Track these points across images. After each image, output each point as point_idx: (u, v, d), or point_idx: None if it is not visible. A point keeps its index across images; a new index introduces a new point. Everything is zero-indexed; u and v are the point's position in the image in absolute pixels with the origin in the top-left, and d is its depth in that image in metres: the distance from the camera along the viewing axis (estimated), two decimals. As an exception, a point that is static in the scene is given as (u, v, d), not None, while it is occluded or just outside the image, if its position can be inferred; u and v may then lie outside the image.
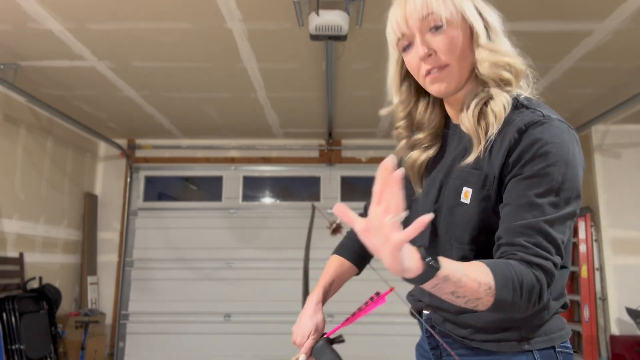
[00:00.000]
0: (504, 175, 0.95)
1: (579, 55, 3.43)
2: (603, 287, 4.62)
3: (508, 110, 0.96)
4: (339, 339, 1.22)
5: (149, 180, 5.65)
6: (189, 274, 5.30)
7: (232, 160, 5.56)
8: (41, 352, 3.94)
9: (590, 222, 4.68)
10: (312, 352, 1.20)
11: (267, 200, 5.64)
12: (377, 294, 0.99)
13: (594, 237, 4.67)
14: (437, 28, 0.97)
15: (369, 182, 5.75)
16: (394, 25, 1.02)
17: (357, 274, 1.35)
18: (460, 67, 0.99)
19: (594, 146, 4.83)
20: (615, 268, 4.63)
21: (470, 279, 0.83)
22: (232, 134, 5.39)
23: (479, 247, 0.98)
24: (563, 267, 1.00)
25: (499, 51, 0.98)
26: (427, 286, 0.81)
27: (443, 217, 1.04)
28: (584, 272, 4.59)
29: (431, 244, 1.07)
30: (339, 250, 1.36)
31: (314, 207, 1.95)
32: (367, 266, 1.35)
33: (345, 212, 0.74)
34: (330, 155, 5.51)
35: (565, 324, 1.04)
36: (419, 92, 1.12)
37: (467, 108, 1.01)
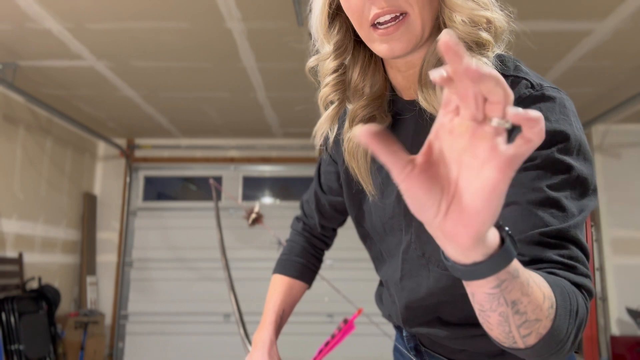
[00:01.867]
0: None
1: (579, 55, 3.43)
2: (603, 287, 4.62)
3: None
4: None
5: (148, 180, 5.65)
6: (188, 274, 5.30)
7: (232, 160, 5.55)
8: (40, 353, 3.94)
9: (590, 222, 4.66)
10: None
11: (267, 200, 5.64)
12: (345, 321, 0.86)
13: (594, 237, 4.67)
14: None
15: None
16: None
17: (307, 289, 1.16)
18: (423, 19, 0.71)
19: (594, 146, 4.82)
20: (615, 268, 4.63)
21: (536, 285, 0.54)
22: (232, 133, 5.38)
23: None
24: None
25: (476, 0, 0.70)
26: (489, 284, 0.49)
27: (414, 231, 0.79)
28: (584, 272, 4.59)
29: (407, 265, 0.83)
30: (282, 269, 1.13)
31: (212, 185, 1.54)
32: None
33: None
34: (330, 155, 5.50)
35: None
36: (356, 40, 0.80)
37: (425, 80, 0.73)
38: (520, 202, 0.66)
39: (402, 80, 0.80)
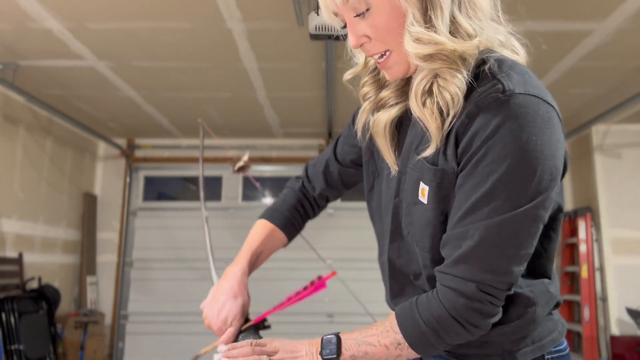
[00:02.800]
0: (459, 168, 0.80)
1: (579, 55, 3.43)
2: (603, 287, 4.62)
3: (463, 87, 0.77)
4: (265, 326, 1.04)
5: (148, 180, 5.65)
6: (188, 274, 5.29)
7: (232, 160, 5.54)
8: (40, 353, 3.94)
9: (590, 222, 4.67)
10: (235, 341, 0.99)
11: (267, 200, 5.64)
12: (319, 277, 0.93)
13: (594, 237, 4.67)
14: (362, 14, 0.81)
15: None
16: (325, 1, 0.86)
17: (285, 245, 1.19)
18: (406, 54, 0.81)
19: (594, 146, 4.82)
20: (615, 268, 4.63)
21: (375, 348, 0.84)
22: (232, 133, 5.38)
23: (441, 256, 0.84)
24: (541, 275, 0.87)
25: (432, 39, 0.77)
26: None
27: (404, 216, 0.90)
28: (584, 272, 4.58)
29: (395, 245, 0.94)
30: (270, 215, 1.18)
31: (202, 125, 1.51)
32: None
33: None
34: (330, 155, 5.50)
35: (557, 323, 0.91)
36: None
37: (411, 90, 0.84)
38: (454, 207, 0.81)
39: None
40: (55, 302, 4.29)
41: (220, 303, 1.03)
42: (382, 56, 0.85)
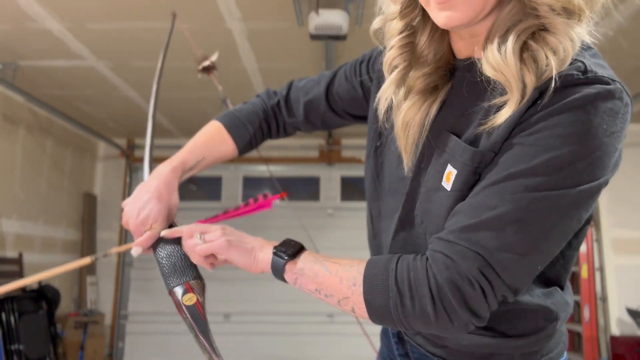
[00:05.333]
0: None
1: (579, 55, 3.43)
2: (603, 287, 4.62)
3: (575, 48, 0.63)
4: None
5: (148, 180, 5.64)
6: (188, 274, 5.29)
7: (232, 160, 5.54)
8: (40, 353, 3.93)
9: (590, 222, 4.67)
10: (154, 249, 0.90)
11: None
12: (265, 196, 0.85)
13: (594, 237, 4.67)
14: None
15: (368, 182, 5.78)
16: None
17: (233, 157, 1.05)
18: None
19: (594, 146, 4.82)
20: (615, 268, 4.63)
21: (329, 275, 0.73)
22: (232, 133, 5.38)
23: None
24: (554, 282, 0.78)
25: None
26: (289, 281, 0.76)
27: (421, 202, 0.76)
28: (584, 272, 4.58)
29: (402, 234, 0.81)
30: (227, 121, 1.02)
31: (174, 16, 1.29)
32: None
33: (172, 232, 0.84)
34: (330, 155, 5.50)
35: (562, 334, 0.83)
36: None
37: (503, 40, 0.65)
38: (484, 180, 0.68)
39: (463, 47, 0.75)
40: (55, 302, 4.29)
41: (142, 202, 0.88)
42: None
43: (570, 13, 0.63)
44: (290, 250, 0.78)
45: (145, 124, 1.11)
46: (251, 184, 5.59)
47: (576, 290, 4.75)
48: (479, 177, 0.68)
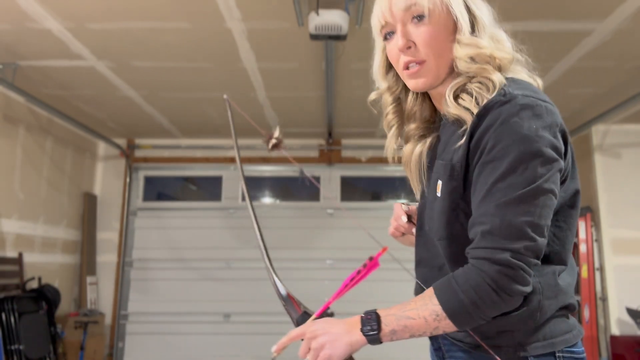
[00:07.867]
0: (469, 163, 0.93)
1: (579, 55, 3.43)
2: (603, 287, 4.62)
3: (489, 93, 0.92)
4: (328, 314, 1.10)
5: (148, 180, 5.65)
6: (188, 274, 5.29)
7: (232, 160, 5.55)
8: (40, 353, 3.94)
9: (590, 222, 4.67)
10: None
11: (267, 200, 5.64)
12: (370, 258, 0.97)
13: (594, 237, 4.67)
14: (419, 18, 0.97)
15: (368, 182, 5.74)
16: (378, 12, 1.02)
17: None
18: (438, 64, 0.98)
19: (594, 146, 4.82)
20: (615, 268, 4.63)
21: (415, 321, 0.90)
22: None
23: (458, 242, 0.96)
24: (547, 262, 0.94)
25: (478, 45, 0.95)
26: (387, 342, 0.93)
27: (426, 212, 1.05)
28: (584, 272, 4.58)
29: (421, 240, 1.08)
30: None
31: (227, 102, 1.45)
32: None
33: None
34: (330, 155, 5.50)
35: (573, 326, 0.97)
36: None
37: (447, 94, 0.99)
38: (477, 195, 0.92)
39: (437, 104, 1.07)
40: (55, 302, 4.29)
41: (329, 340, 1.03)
42: (418, 64, 0.98)
43: (486, 62, 0.95)
44: (373, 324, 0.93)
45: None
46: (251, 184, 5.59)
47: (576, 290, 4.74)
48: (455, 183, 0.95)
